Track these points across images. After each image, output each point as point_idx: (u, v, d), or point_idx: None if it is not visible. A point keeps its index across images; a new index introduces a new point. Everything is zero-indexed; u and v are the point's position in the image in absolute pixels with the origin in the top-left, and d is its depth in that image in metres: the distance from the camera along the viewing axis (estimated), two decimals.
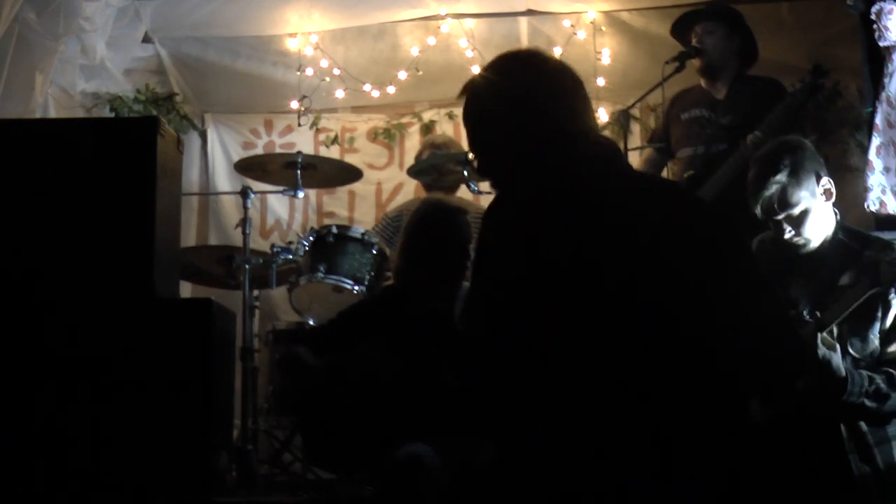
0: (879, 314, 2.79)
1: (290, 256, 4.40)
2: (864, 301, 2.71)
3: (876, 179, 3.98)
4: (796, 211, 2.88)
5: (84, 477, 3.40)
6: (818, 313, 2.73)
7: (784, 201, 2.88)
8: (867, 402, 2.71)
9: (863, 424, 2.75)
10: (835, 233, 2.93)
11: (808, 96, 4.18)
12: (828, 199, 2.93)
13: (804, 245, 2.92)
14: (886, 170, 3.98)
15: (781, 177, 2.88)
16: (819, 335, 2.67)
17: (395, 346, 3.31)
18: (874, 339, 2.80)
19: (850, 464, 2.70)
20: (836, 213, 2.97)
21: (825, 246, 2.93)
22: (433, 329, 3.36)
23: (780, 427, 2.74)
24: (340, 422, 3.23)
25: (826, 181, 2.93)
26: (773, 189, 2.88)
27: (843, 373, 2.68)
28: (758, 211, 2.93)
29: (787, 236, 2.90)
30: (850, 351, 2.78)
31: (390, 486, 2.96)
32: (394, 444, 3.01)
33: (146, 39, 5.64)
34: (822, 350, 2.66)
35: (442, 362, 3.25)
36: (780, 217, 2.89)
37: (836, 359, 2.68)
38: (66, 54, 5.00)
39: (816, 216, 2.90)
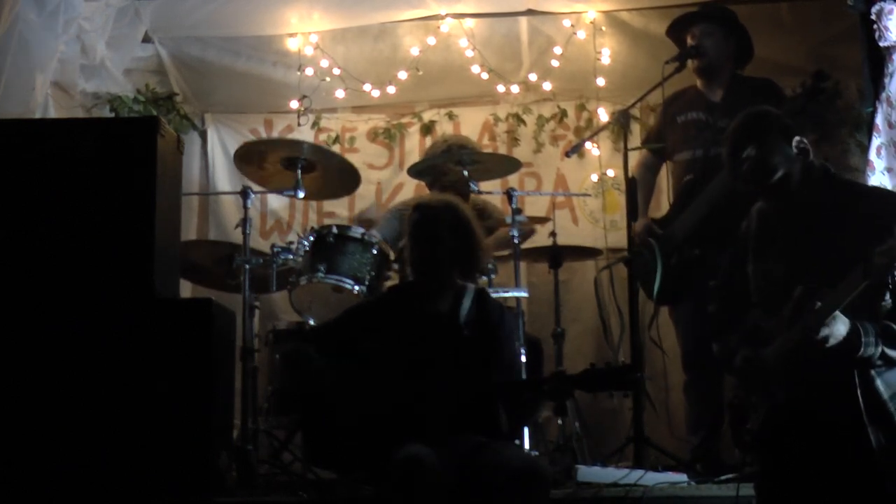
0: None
1: (291, 256, 4.39)
2: (857, 294, 2.68)
3: (877, 180, 3.98)
4: (776, 179, 2.90)
5: (84, 476, 3.41)
6: (819, 303, 2.68)
7: (761, 171, 2.90)
8: (886, 350, 2.67)
9: (883, 392, 2.69)
10: (829, 186, 2.93)
11: (808, 101, 4.18)
12: (806, 157, 2.93)
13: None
14: (888, 170, 3.98)
15: (750, 150, 2.91)
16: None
17: (400, 346, 3.30)
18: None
19: (870, 436, 2.67)
20: (826, 167, 2.96)
21: (822, 199, 2.91)
22: (438, 329, 3.36)
23: (799, 406, 2.76)
24: (340, 422, 3.23)
25: (798, 140, 2.93)
26: (745, 165, 2.92)
27: (850, 325, 2.65)
28: (742, 186, 2.96)
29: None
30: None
31: (390, 486, 2.96)
32: (394, 444, 3.01)
33: (146, 39, 5.63)
34: (823, 332, 2.63)
35: (445, 362, 3.25)
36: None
37: (839, 327, 2.64)
38: (66, 54, 4.99)
39: (800, 177, 2.91)
